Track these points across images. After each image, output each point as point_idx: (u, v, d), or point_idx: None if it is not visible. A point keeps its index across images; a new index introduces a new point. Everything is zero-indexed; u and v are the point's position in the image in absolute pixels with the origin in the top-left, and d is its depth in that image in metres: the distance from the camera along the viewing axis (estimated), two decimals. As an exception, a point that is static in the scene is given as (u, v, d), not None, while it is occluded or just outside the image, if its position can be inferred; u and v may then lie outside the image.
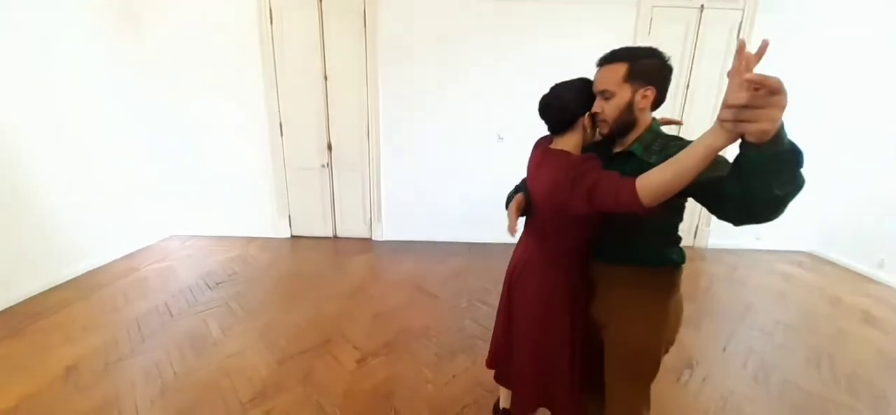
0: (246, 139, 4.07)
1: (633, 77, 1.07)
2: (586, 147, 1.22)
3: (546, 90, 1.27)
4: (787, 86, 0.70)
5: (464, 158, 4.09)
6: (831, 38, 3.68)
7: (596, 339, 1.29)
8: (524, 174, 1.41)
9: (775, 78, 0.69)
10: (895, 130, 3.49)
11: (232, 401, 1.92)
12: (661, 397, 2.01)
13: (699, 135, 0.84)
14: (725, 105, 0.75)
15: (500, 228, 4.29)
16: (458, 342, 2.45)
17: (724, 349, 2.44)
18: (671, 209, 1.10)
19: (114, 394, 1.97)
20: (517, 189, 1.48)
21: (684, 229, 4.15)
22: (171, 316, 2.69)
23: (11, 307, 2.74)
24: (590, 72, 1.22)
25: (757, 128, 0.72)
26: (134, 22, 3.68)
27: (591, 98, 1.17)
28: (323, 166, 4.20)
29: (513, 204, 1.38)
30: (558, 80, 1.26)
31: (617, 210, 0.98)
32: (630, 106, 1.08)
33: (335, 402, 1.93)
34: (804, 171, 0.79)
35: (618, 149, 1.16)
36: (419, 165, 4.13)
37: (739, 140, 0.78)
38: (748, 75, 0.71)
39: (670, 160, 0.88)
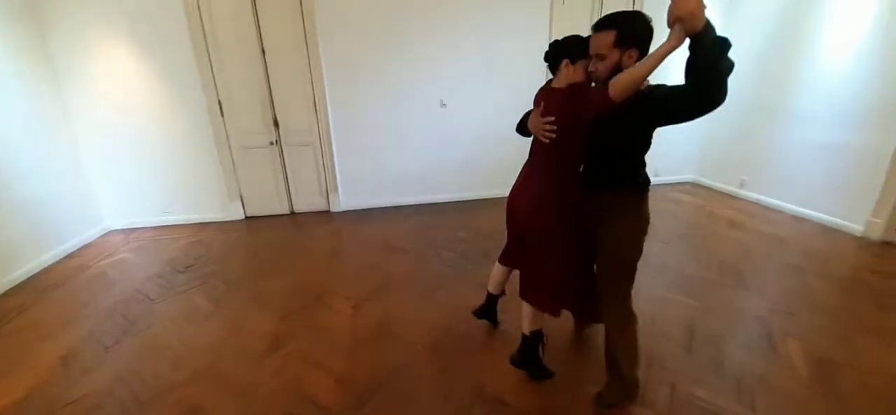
0: (183, 121, 3.94)
1: (620, 42, 1.34)
2: None
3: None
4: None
5: (410, 125, 4.38)
6: None
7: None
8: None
9: None
10: (750, 77, 4.48)
11: (250, 353, 2.16)
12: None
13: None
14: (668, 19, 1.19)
15: (449, 188, 4.73)
16: (434, 282, 2.87)
17: (637, 257, 3.17)
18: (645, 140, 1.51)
19: (126, 368, 2.09)
20: (523, 119, 1.80)
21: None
22: (152, 300, 2.75)
23: (-39, 319, 2.59)
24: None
25: (684, 13, 1.12)
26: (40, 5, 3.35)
27: (574, 50, 1.49)
28: (271, 143, 4.23)
29: (533, 116, 1.63)
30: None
31: (598, 111, 1.37)
32: (618, 65, 1.36)
33: (344, 337, 2.27)
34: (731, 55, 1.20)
35: None
36: (369, 134, 4.35)
37: (687, 43, 1.18)
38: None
39: (634, 67, 1.27)
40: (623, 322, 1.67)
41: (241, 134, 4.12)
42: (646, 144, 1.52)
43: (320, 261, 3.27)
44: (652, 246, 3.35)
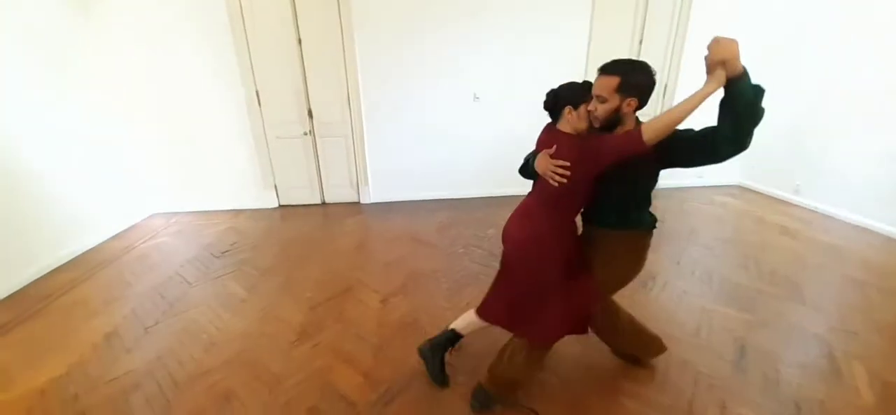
0: (222, 111, 4.04)
1: (622, 89, 1.35)
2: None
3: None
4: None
5: (442, 119, 4.31)
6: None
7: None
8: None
9: (715, 36, 1.21)
10: (804, 68, 4.14)
11: (280, 342, 2.18)
12: (631, 301, 2.50)
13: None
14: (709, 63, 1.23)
15: (479, 184, 4.67)
16: (463, 278, 2.81)
17: (678, 263, 2.99)
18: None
19: (165, 349, 2.16)
20: (527, 160, 1.69)
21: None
22: (190, 284, 2.83)
23: (20, 291, 2.77)
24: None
25: (728, 55, 1.18)
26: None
27: (576, 96, 1.45)
28: (305, 134, 4.28)
29: (542, 157, 1.52)
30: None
31: (623, 155, 1.33)
32: (617, 110, 1.39)
33: (371, 331, 2.26)
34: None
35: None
36: (401, 127, 4.32)
37: (723, 88, 1.22)
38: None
39: (670, 109, 1.27)
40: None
41: (277, 124, 4.18)
42: (654, 182, 1.52)
43: (349, 253, 3.27)
44: (695, 251, 3.16)
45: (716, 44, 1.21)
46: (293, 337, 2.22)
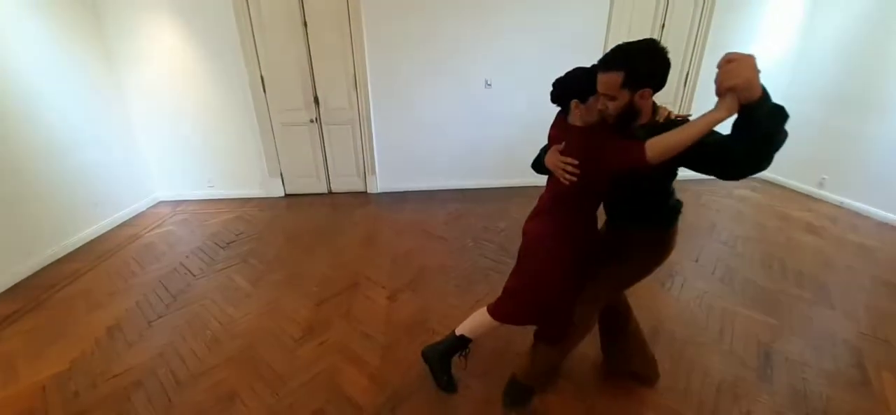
0: (227, 97, 3.95)
1: (630, 83, 1.19)
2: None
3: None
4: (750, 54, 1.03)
5: (453, 106, 4.18)
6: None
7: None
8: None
9: (727, 54, 1.04)
10: (829, 62, 3.94)
11: (285, 339, 2.13)
12: (650, 300, 2.41)
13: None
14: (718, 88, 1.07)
15: (490, 174, 4.55)
16: (473, 274, 2.73)
17: (697, 260, 2.88)
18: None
19: (167, 344, 2.11)
20: (540, 155, 1.61)
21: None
22: (194, 276, 2.79)
23: (23, 281, 2.74)
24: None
25: (740, 83, 1.01)
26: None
27: (583, 88, 1.31)
28: (311, 121, 4.18)
29: (552, 153, 1.43)
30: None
31: (623, 167, 1.22)
32: (631, 105, 1.23)
33: (379, 330, 2.19)
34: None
35: (640, 123, 1.31)
36: (409, 114, 4.19)
37: (737, 112, 1.06)
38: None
39: (678, 129, 1.14)
40: (583, 322, 1.57)
41: (283, 110, 4.09)
42: (674, 175, 1.39)
43: (356, 245, 3.20)
44: (714, 248, 3.04)
45: (726, 65, 1.03)
46: (298, 334, 2.16)
